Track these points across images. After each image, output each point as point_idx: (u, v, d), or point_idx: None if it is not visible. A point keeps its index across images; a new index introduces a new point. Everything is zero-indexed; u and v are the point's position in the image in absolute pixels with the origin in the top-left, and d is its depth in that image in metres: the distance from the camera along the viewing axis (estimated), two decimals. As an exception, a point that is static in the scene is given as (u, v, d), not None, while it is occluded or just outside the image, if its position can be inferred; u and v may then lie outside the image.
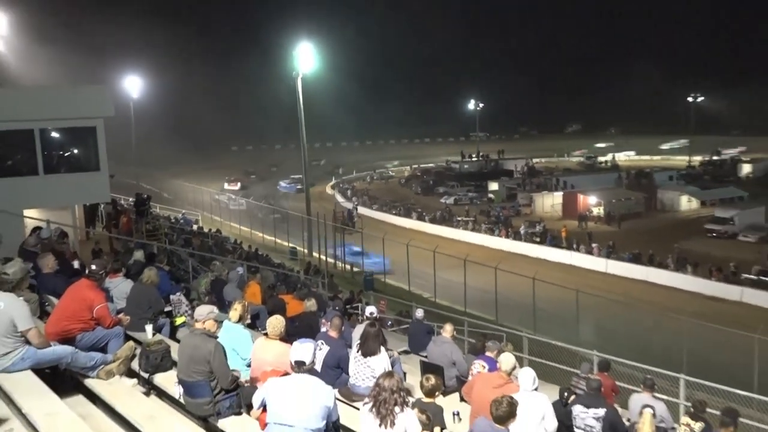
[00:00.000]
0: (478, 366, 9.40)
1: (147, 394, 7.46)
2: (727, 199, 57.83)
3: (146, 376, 7.61)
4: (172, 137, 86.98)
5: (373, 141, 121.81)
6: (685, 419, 9.09)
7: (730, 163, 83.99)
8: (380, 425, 5.68)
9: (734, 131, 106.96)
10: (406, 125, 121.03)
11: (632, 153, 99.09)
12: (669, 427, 9.22)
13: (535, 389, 7.42)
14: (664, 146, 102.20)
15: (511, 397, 6.27)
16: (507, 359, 8.22)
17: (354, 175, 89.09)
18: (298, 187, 65.38)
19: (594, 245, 42.66)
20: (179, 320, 10.19)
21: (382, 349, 8.63)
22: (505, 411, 6.09)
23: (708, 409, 9.56)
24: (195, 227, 36.81)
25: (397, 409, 5.66)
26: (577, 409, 8.08)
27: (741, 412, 12.57)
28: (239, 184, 74.52)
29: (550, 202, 62.10)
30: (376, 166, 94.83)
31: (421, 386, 7.37)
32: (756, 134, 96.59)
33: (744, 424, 12.11)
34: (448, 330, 11.06)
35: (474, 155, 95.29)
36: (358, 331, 10.26)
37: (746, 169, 78.50)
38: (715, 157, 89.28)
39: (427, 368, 10.08)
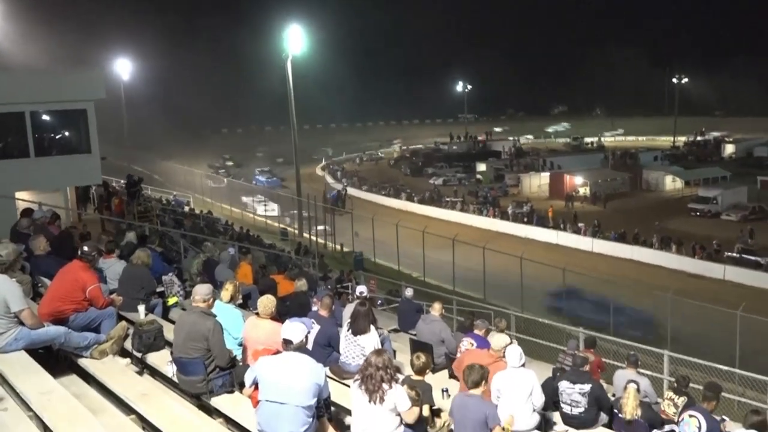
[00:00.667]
0: (467, 343, 9.56)
1: (140, 373, 7.55)
2: (710, 179, 58.31)
3: (139, 355, 7.69)
4: (163, 119, 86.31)
5: (362, 122, 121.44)
6: (668, 394, 9.31)
7: (714, 144, 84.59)
8: (369, 401, 5.81)
9: (717, 112, 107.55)
10: (394, 106, 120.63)
11: (620, 132, 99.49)
12: (653, 402, 9.42)
13: (522, 365, 7.57)
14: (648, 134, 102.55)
15: (482, 365, 6.54)
16: (499, 338, 8.38)
17: (344, 156, 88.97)
18: (272, 179, 64.56)
19: (580, 225, 43.00)
20: (171, 300, 10.27)
21: (372, 327, 8.74)
22: (478, 375, 6.36)
23: (691, 384, 9.78)
24: (186, 209, 36.73)
25: (385, 385, 5.78)
26: (563, 385, 8.24)
27: (723, 387, 12.88)
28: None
29: (537, 182, 62.44)
30: (365, 147, 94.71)
31: (412, 364, 7.51)
32: (738, 114, 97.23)
33: (726, 399, 12.39)
34: (436, 308, 11.20)
35: (462, 136, 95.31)
36: (348, 310, 10.39)
37: (729, 149, 79.12)
38: (698, 138, 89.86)
39: (416, 346, 10.22)
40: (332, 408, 6.50)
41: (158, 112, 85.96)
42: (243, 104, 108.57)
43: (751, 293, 29.25)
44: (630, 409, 8.29)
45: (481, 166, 71.89)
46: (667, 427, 8.17)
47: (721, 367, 12.77)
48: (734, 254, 35.23)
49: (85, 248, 8.31)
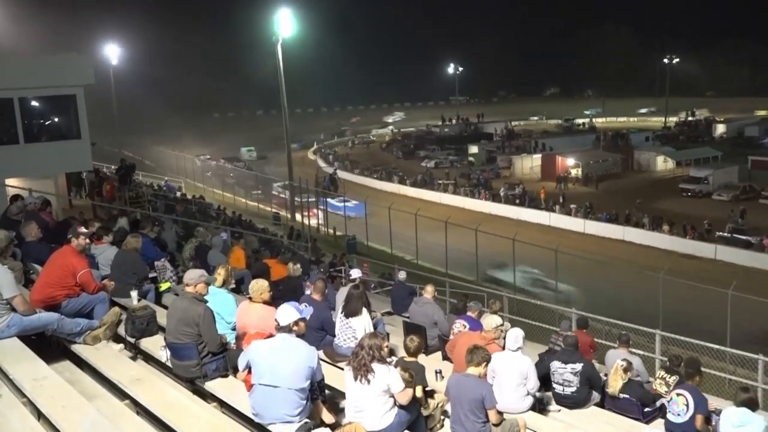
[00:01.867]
0: (459, 325, 9.60)
1: (134, 358, 7.55)
2: (701, 159, 58.47)
3: (132, 340, 7.71)
4: (153, 104, 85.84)
5: (353, 106, 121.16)
6: (660, 373, 9.38)
7: (705, 124, 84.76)
8: (356, 380, 5.87)
9: (709, 92, 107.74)
10: (387, 89, 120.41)
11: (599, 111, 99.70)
12: (645, 381, 9.49)
13: (519, 349, 7.62)
14: (642, 110, 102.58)
15: (485, 348, 6.64)
16: (492, 320, 8.44)
17: (335, 140, 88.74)
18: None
19: (572, 206, 43.10)
20: (164, 286, 10.26)
21: (364, 310, 8.78)
22: (481, 357, 6.44)
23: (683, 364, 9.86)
24: (178, 194, 36.60)
25: (374, 365, 5.81)
26: (555, 365, 8.30)
27: (714, 366, 13.01)
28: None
29: (529, 164, 62.47)
30: (357, 131, 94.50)
31: (405, 346, 7.55)
32: (729, 95, 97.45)
33: (717, 377, 12.52)
34: (429, 291, 11.23)
35: (454, 119, 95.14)
36: (342, 293, 10.41)
37: (720, 129, 79.31)
38: (690, 118, 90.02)
39: (409, 328, 10.28)
40: (326, 391, 6.53)
41: (148, 97, 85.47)
42: (234, 89, 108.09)
43: (742, 272, 29.45)
44: (614, 384, 8.38)
45: (473, 149, 71.85)
46: (657, 404, 8.26)
47: (711, 345, 12.88)
48: (725, 234, 35.42)
49: (81, 230, 8.30)
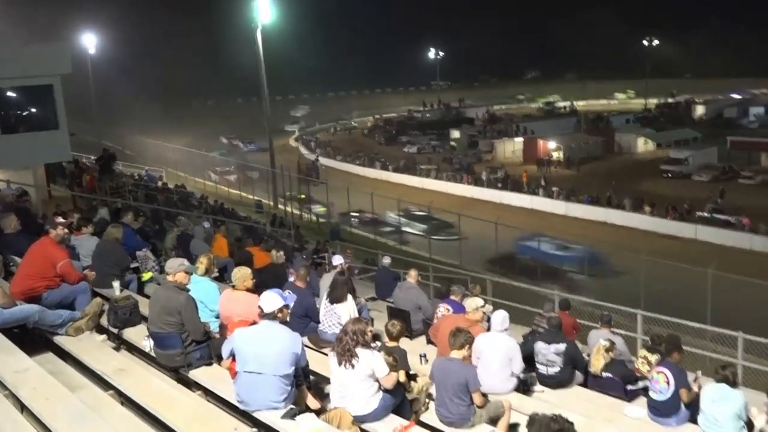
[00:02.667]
0: (443, 309, 9.64)
1: (117, 348, 7.53)
2: (681, 141, 58.90)
3: (115, 331, 7.67)
4: (132, 93, 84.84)
5: (335, 92, 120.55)
6: (642, 352, 9.47)
7: (684, 106, 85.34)
8: (340, 365, 5.90)
9: (688, 74, 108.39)
10: (366, 76, 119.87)
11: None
12: (627, 360, 9.59)
13: (505, 330, 7.67)
14: (620, 95, 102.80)
15: (467, 330, 6.68)
16: (473, 302, 8.49)
17: (317, 126, 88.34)
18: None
19: (554, 189, 43.31)
20: (146, 276, 10.20)
21: (349, 296, 8.80)
22: (463, 339, 6.47)
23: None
24: (159, 183, 36.29)
25: (358, 350, 5.84)
26: (539, 346, 8.37)
27: (695, 344, 13.15)
28: None
29: (511, 148, 62.71)
30: (339, 117, 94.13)
31: (387, 331, 7.59)
32: (709, 76, 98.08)
33: (699, 355, 12.66)
34: (413, 275, 11.26)
35: (435, 104, 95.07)
36: (326, 279, 10.42)
37: (700, 110, 79.88)
38: (669, 100, 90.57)
39: (393, 313, 10.31)
40: (311, 377, 6.55)
41: (127, 87, 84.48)
42: (214, 76, 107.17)
43: (722, 251, 29.78)
44: (597, 363, 8.47)
45: (455, 133, 71.91)
46: (640, 384, 8.35)
47: (692, 324, 13.02)
48: (705, 214, 35.77)
49: (59, 220, 8.24)
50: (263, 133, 51.61)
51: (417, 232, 33.78)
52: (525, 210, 41.46)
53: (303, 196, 40.67)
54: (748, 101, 79.05)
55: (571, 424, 3.26)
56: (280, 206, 41.08)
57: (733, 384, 7.08)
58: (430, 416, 6.51)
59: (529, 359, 8.34)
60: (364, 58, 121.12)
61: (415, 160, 59.57)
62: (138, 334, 7.45)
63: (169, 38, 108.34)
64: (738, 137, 55.96)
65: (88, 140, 48.21)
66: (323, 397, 6.28)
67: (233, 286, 7.66)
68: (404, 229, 34.48)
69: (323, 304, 8.86)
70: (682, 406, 7.40)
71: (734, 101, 79.96)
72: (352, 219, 36.35)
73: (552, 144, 58.11)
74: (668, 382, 7.37)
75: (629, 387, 8.35)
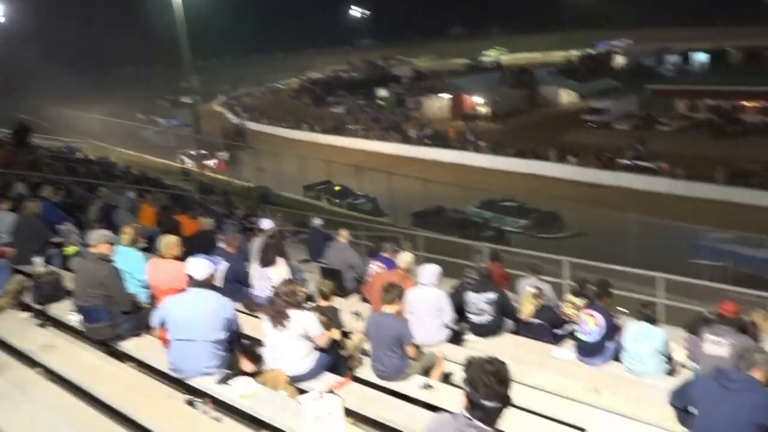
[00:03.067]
0: (375, 267, 9.72)
1: (42, 325, 7.31)
2: (602, 91, 60.22)
3: (39, 307, 7.47)
4: (47, 64, 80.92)
5: (258, 54, 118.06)
6: (569, 297, 9.80)
7: (605, 56, 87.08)
8: (274, 327, 5.93)
9: (607, 25, 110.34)
10: (290, 36, 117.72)
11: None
12: (554, 305, 9.91)
13: (434, 284, 7.79)
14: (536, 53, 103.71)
15: (397, 284, 6.74)
16: (403, 257, 8.60)
17: (243, 90, 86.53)
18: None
19: (481, 143, 43.87)
20: (70, 250, 9.89)
21: (281, 259, 8.78)
22: (395, 293, 6.54)
23: (589, 286, 10.32)
24: (79, 155, 35.02)
25: (290, 311, 5.87)
26: (470, 296, 8.53)
27: (620, 286, 13.65)
28: None
29: (438, 104, 62.90)
30: (264, 80, 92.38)
31: (319, 291, 7.63)
32: (626, 27, 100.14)
33: (623, 296, 13.15)
34: (344, 235, 11.29)
35: (361, 63, 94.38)
36: (256, 244, 10.35)
37: (620, 60, 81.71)
38: (590, 51, 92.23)
39: (326, 273, 10.34)
40: (245, 340, 6.54)
41: (41, 56, 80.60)
42: (133, 41, 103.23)
43: (644, 197, 30.93)
44: (526, 310, 8.75)
45: (382, 92, 71.70)
46: (567, 327, 8.65)
47: (616, 267, 13.48)
48: (627, 162, 36.95)
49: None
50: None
51: (514, 229, 27.32)
52: (454, 165, 41.91)
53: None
54: (665, 50, 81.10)
55: (505, 364, 3.37)
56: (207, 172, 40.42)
57: (654, 321, 7.45)
58: (365, 371, 6.61)
59: (460, 310, 8.52)
60: (287, 17, 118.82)
61: (344, 120, 59.19)
62: (63, 310, 7.29)
63: (83, 3, 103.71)
64: (659, 85, 57.61)
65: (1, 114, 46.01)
66: (258, 360, 6.29)
67: (161, 255, 7.53)
68: (495, 225, 27.63)
69: (255, 269, 8.81)
70: (608, 345, 7.72)
71: (651, 50, 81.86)
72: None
73: (478, 99, 58.63)
74: (597, 324, 7.67)
75: (557, 331, 8.65)
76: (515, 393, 3.44)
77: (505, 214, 28.27)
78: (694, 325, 7.49)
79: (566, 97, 62.29)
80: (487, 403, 3.32)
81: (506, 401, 3.36)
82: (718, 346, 6.59)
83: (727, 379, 4.74)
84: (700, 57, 72.20)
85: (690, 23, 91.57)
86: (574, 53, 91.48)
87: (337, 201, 33.00)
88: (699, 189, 32.17)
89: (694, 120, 47.60)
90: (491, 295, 8.46)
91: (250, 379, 5.59)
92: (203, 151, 45.46)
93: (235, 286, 8.72)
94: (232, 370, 5.71)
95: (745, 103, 47.04)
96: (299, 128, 57.90)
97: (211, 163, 43.80)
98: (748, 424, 4.56)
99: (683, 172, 33.84)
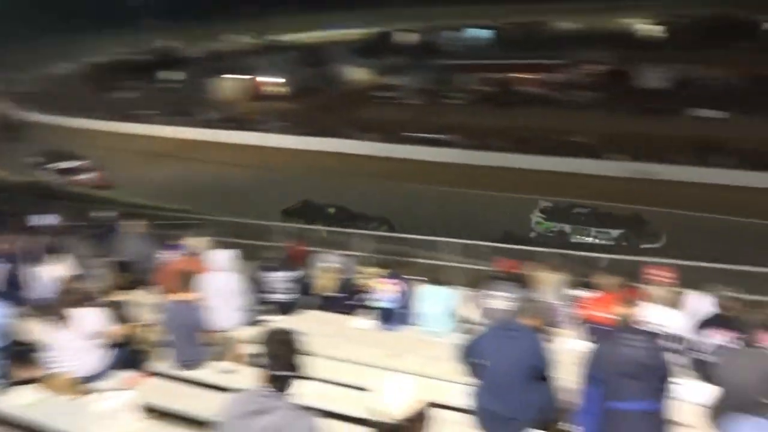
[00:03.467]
0: (168, 255, 9.46)
1: None
2: (395, 67, 62.19)
3: None
4: None
5: (33, 38, 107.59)
6: (374, 270, 10.17)
7: (398, 35, 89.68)
8: (57, 328, 5.66)
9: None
10: (62, 18, 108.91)
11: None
12: (352, 277, 10.19)
13: (229, 268, 7.70)
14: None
15: (188, 271, 6.78)
16: (195, 243, 8.44)
17: (14, 77, 78.76)
18: None
19: (276, 124, 43.66)
20: None
21: (61, 257, 8.30)
22: (186, 280, 6.53)
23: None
24: None
25: (74, 309, 5.58)
26: (271, 275, 8.56)
27: (414, 254, 14.37)
28: None
29: (233, 85, 61.71)
30: (41, 66, 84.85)
31: (111, 285, 7.31)
32: (417, 5, 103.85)
33: (432, 265, 13.84)
34: (138, 226, 10.84)
35: (148, 46, 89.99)
36: (35, 243, 9.65)
37: (411, 38, 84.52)
38: (384, 30, 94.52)
39: (119, 266, 9.86)
40: (22, 347, 6.09)
41: None
42: None
43: (435, 168, 32.59)
44: (326, 284, 8.99)
45: (174, 75, 68.96)
46: (365, 297, 8.97)
47: (407, 236, 14.19)
48: (416, 134, 38.60)
49: None
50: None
51: (603, 242, 22.29)
52: (249, 147, 41.24)
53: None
54: (452, 27, 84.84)
55: (294, 333, 3.48)
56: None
57: (442, 283, 8.00)
58: (163, 363, 6.42)
59: (261, 290, 8.53)
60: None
61: (135, 105, 56.05)
62: None
63: None
64: (447, 60, 60.32)
65: None
66: (40, 365, 5.88)
67: None
68: (574, 240, 22.66)
69: (33, 269, 8.21)
70: (406, 311, 8.14)
71: (438, 28, 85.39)
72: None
73: (274, 79, 58.26)
74: (399, 291, 8.08)
75: (355, 303, 8.94)
76: (318, 365, 3.55)
77: (586, 225, 23.23)
78: (481, 284, 8.12)
79: (361, 75, 63.63)
80: (279, 372, 3.41)
81: (297, 369, 3.47)
82: (500, 300, 7.22)
83: (509, 329, 5.25)
84: (483, 33, 76.88)
85: (474, 1, 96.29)
86: (368, 32, 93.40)
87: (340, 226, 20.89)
88: (482, 157, 34.50)
89: (480, 93, 50.74)
90: (291, 273, 8.55)
91: (32, 386, 5.23)
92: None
93: (11, 289, 8.08)
94: (10, 379, 5.31)
95: (523, 75, 50.99)
96: (86, 117, 53.68)
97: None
98: (527, 365, 5.08)
99: (471, 142, 35.98)
